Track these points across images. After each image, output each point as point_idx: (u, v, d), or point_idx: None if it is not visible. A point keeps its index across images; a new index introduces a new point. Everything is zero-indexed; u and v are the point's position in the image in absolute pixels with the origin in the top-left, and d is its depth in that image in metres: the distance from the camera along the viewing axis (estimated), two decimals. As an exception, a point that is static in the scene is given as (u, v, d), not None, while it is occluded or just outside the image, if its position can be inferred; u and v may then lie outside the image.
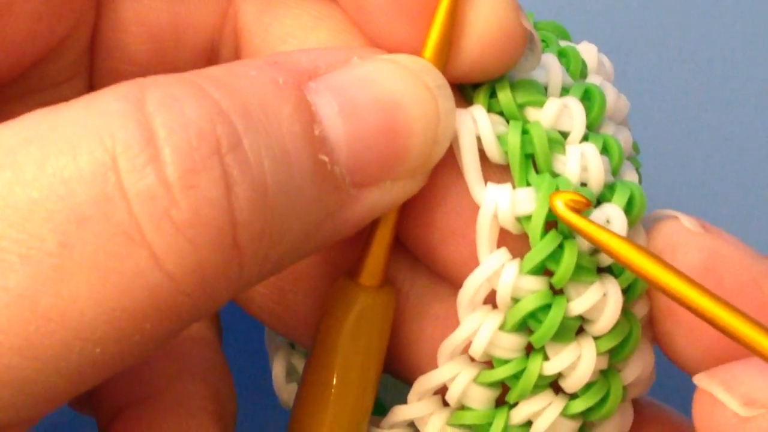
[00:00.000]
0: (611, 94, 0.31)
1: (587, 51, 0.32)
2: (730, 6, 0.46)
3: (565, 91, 0.30)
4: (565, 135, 0.29)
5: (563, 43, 0.32)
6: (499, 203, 0.27)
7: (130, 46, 0.30)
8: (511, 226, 0.27)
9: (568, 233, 0.27)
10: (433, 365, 0.30)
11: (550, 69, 0.30)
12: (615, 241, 0.26)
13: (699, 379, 0.28)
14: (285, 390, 0.33)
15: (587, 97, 0.30)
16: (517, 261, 0.28)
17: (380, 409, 0.31)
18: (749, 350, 0.26)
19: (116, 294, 0.23)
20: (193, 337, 0.33)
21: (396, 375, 0.32)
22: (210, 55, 0.31)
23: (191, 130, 0.23)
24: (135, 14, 0.30)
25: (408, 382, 0.31)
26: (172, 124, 0.23)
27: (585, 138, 0.29)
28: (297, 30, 0.29)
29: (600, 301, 0.28)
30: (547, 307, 0.27)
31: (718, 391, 0.27)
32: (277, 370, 0.33)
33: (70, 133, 0.23)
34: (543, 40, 0.32)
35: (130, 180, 0.23)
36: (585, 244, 0.27)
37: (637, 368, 0.30)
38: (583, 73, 0.31)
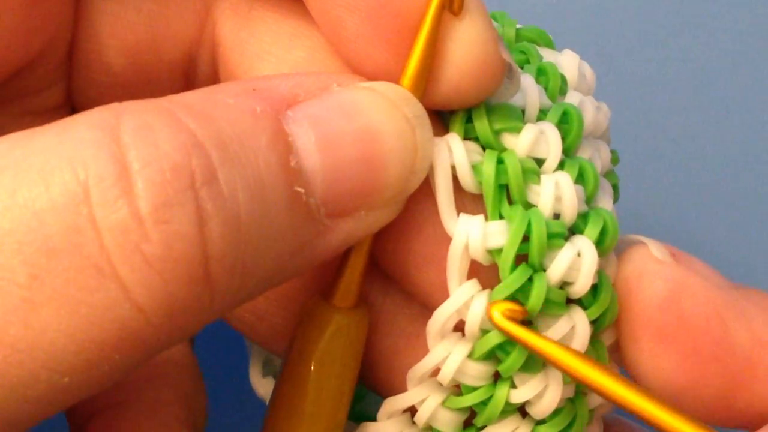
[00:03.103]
0: (590, 111, 0.31)
1: (568, 63, 0.32)
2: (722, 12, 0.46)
3: (543, 113, 0.30)
4: (541, 162, 0.29)
5: (544, 52, 0.32)
6: (470, 235, 0.27)
7: (107, 58, 0.30)
8: (482, 258, 0.28)
9: (538, 266, 0.28)
10: (405, 382, 0.30)
11: (528, 92, 0.30)
12: (552, 348, 0.27)
13: None
14: (261, 384, 0.33)
15: (565, 120, 0.30)
16: (486, 292, 0.28)
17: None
18: None
19: (85, 326, 0.23)
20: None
21: (370, 389, 0.32)
22: (188, 67, 0.31)
23: (165, 163, 0.23)
24: (111, 28, 0.30)
25: (382, 396, 0.31)
26: (146, 156, 0.23)
27: (561, 164, 0.29)
28: (274, 48, 0.29)
29: (568, 333, 0.28)
30: None
31: None
32: (255, 366, 0.34)
33: (42, 162, 0.23)
34: (522, 52, 0.32)
35: (102, 213, 0.23)
36: (554, 277, 0.28)
37: (604, 393, 0.30)
38: (563, 90, 0.31)
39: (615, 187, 0.32)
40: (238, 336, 0.34)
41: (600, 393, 0.27)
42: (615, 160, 0.32)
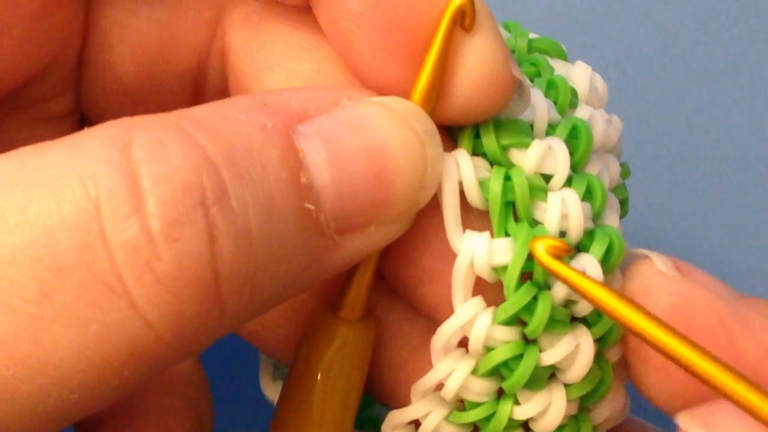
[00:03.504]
0: (600, 125, 0.31)
1: (579, 76, 0.31)
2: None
3: (551, 128, 0.30)
4: (548, 177, 0.29)
5: (556, 64, 0.32)
6: (475, 252, 0.27)
7: (117, 66, 0.30)
8: (487, 275, 0.28)
9: (543, 285, 0.28)
10: (410, 395, 0.30)
11: (536, 107, 0.29)
12: (593, 287, 0.27)
13: (680, 418, 0.28)
14: (270, 388, 0.33)
15: (574, 135, 0.30)
16: (491, 310, 0.28)
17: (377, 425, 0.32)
18: (719, 393, 0.26)
19: (96, 343, 0.23)
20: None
21: (376, 400, 0.32)
22: (197, 76, 0.31)
23: (176, 181, 0.23)
24: (121, 37, 0.30)
25: (388, 407, 0.31)
26: (157, 173, 0.23)
27: (569, 181, 0.29)
28: (284, 59, 0.29)
29: (572, 352, 0.28)
30: (519, 357, 0.28)
31: None
32: (265, 370, 0.34)
33: (54, 178, 0.23)
34: (534, 64, 0.32)
35: (113, 230, 0.23)
36: (559, 296, 0.28)
37: (608, 409, 0.30)
38: (573, 103, 0.31)
39: (624, 201, 0.32)
40: (244, 344, 0.34)
41: (639, 334, 0.26)
42: (625, 173, 0.32)
